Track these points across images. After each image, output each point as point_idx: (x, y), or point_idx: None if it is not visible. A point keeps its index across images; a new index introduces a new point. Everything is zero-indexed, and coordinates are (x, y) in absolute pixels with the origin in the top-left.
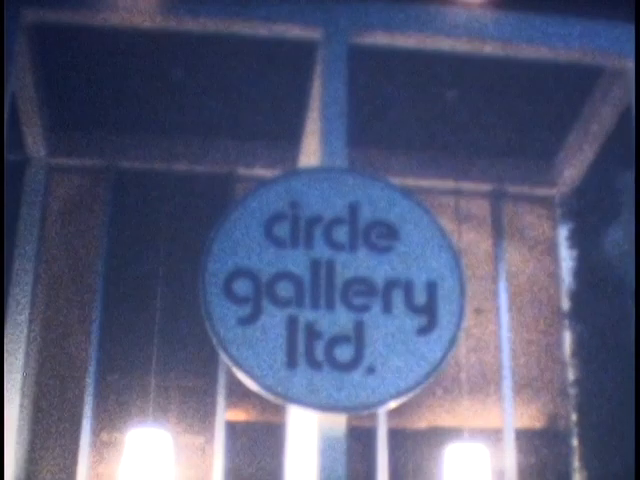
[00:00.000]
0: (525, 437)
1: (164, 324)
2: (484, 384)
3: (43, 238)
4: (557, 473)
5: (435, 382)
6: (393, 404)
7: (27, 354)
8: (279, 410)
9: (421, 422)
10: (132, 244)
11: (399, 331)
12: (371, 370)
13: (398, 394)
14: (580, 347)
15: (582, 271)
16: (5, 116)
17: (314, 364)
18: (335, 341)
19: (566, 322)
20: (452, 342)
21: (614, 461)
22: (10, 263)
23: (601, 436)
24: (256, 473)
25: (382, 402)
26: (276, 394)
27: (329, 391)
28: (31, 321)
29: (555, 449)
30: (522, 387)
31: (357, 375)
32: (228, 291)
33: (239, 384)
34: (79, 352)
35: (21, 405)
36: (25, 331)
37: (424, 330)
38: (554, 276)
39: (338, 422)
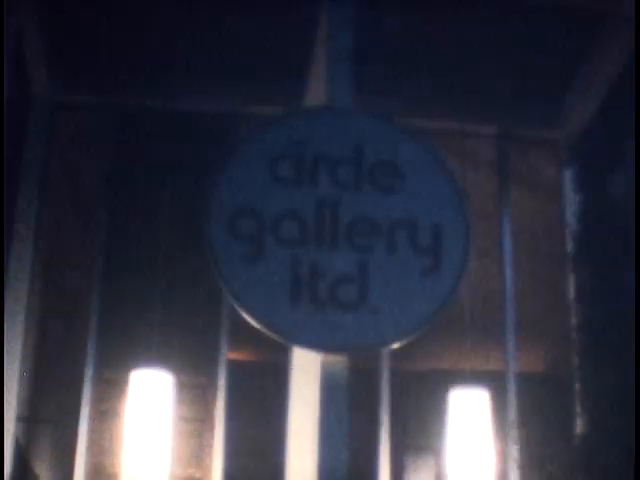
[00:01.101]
0: (527, 381)
1: (168, 261)
2: (487, 326)
3: (47, 176)
4: (559, 417)
5: (438, 323)
6: (397, 344)
7: (31, 290)
8: (282, 350)
9: (424, 364)
10: (136, 179)
11: (403, 271)
12: (375, 310)
13: (402, 334)
14: (584, 291)
15: (587, 214)
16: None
17: (317, 303)
18: (339, 281)
19: (570, 265)
20: (456, 283)
21: (616, 407)
22: (13, 202)
23: (603, 381)
24: (258, 413)
25: (386, 342)
26: (278, 332)
27: (332, 330)
28: (34, 258)
29: (557, 393)
30: (525, 331)
31: (361, 315)
32: (232, 230)
33: (243, 323)
34: (83, 287)
35: (24, 343)
36: (28, 268)
37: (429, 271)
38: (559, 219)
39: (341, 362)
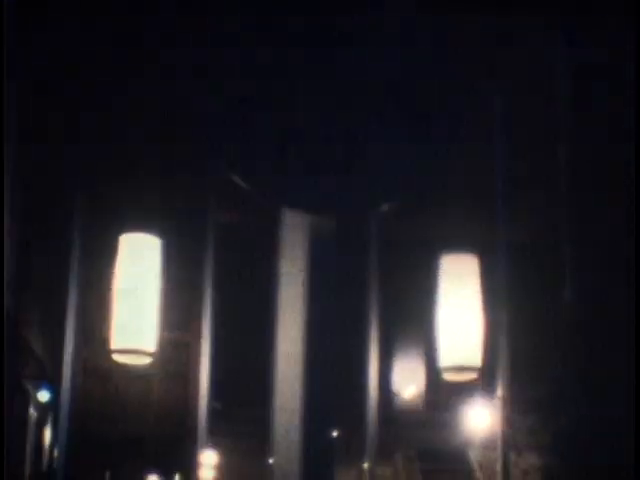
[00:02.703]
0: (517, 249)
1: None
2: (477, 190)
3: None
4: (547, 285)
5: (429, 189)
6: (386, 207)
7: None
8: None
9: (413, 230)
10: None
11: (394, 134)
12: (366, 171)
13: (392, 196)
14: (574, 162)
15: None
16: None
17: (305, 165)
18: (327, 142)
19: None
20: (446, 148)
21: (604, 275)
22: None
23: (592, 248)
24: (247, 277)
25: (376, 203)
26: (265, 193)
27: (321, 191)
28: None
29: (546, 261)
30: (515, 199)
31: (351, 176)
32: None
33: (231, 186)
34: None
35: (10, 207)
36: None
37: (419, 134)
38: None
39: (329, 225)
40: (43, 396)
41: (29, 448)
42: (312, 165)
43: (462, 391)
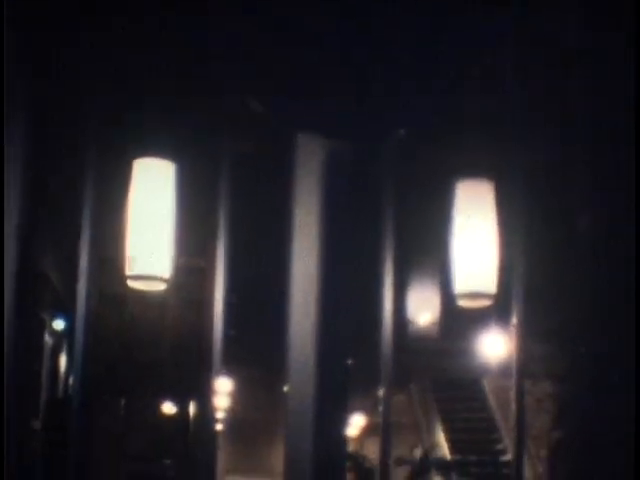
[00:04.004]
0: (533, 176)
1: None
2: (492, 115)
3: None
4: (562, 213)
5: (444, 117)
6: (402, 133)
7: None
8: (285, 142)
9: (430, 158)
10: None
11: (409, 68)
12: (383, 95)
13: (408, 121)
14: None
15: None
16: None
17: (320, 93)
18: (342, 73)
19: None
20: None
21: (620, 202)
22: None
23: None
24: (262, 204)
25: (392, 130)
26: (279, 118)
27: (336, 118)
28: None
29: (561, 183)
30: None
31: (368, 100)
32: None
33: (244, 113)
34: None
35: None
36: None
37: (432, 71)
38: None
39: (345, 151)
40: (58, 324)
41: (45, 375)
42: (328, 88)
43: (477, 319)
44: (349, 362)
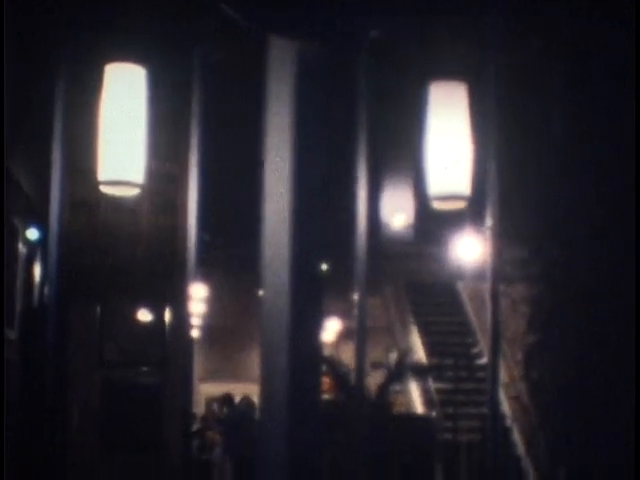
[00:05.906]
0: (507, 77)
1: None
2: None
3: None
4: (536, 117)
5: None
6: (376, 31)
7: None
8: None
9: (402, 60)
10: None
11: None
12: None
13: (379, 22)
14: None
15: None
16: None
17: None
18: None
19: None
20: None
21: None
22: None
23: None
24: (236, 110)
25: (365, 27)
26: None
27: (309, 16)
28: None
29: (536, 95)
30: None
31: (337, 4)
32: None
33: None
34: None
35: None
36: None
37: None
38: None
39: (317, 55)
40: (32, 234)
41: (19, 284)
42: None
43: (451, 222)
44: (322, 267)
